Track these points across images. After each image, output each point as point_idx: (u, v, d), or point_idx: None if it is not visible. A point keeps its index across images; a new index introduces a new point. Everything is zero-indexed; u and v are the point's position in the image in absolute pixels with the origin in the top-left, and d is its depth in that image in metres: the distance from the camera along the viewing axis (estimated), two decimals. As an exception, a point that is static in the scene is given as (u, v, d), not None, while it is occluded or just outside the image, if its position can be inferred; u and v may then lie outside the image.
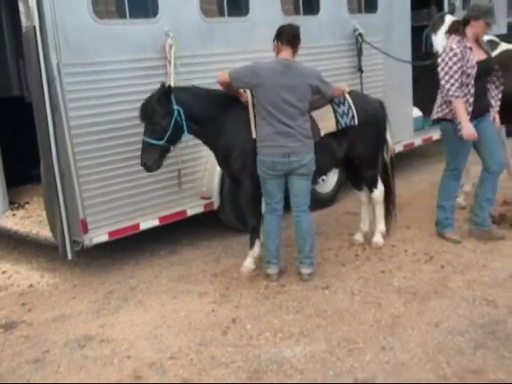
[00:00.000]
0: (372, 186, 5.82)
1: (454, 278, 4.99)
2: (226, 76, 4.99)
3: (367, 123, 5.56)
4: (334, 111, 5.42)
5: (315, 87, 5.00)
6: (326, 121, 5.38)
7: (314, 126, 5.27)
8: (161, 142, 5.01)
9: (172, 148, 5.23)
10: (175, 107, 5.04)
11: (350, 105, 5.50)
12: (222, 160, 5.45)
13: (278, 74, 4.90)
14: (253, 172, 5.25)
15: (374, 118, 5.67)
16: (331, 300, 4.76)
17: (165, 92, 5.02)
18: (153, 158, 5.04)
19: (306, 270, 5.19)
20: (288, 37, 5.00)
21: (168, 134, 5.02)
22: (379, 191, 5.84)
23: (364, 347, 4.01)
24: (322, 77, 5.12)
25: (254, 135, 5.18)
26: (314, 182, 5.56)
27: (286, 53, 5.01)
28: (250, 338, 4.26)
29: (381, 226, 5.90)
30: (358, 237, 5.97)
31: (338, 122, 5.42)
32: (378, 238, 5.86)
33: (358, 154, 5.64)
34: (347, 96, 5.53)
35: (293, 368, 3.83)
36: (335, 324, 4.36)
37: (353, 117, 5.48)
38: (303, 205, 5.14)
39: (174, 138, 5.15)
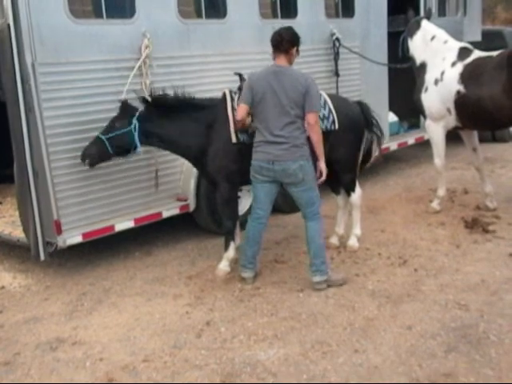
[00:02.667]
0: (350, 190, 5.81)
1: (427, 281, 5.04)
2: (241, 107, 4.96)
3: (347, 127, 5.56)
4: None
5: (305, 93, 4.80)
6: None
7: None
8: (103, 137, 5.12)
9: (110, 157, 5.24)
10: (134, 121, 5.16)
11: (330, 109, 5.49)
12: (199, 163, 5.45)
13: (267, 81, 4.84)
14: (228, 174, 5.26)
15: (354, 123, 5.67)
16: (306, 303, 4.77)
17: (131, 110, 5.21)
18: (91, 150, 5.14)
19: (317, 279, 4.99)
20: (273, 42, 4.92)
21: (113, 135, 5.13)
22: (357, 195, 5.82)
23: (337, 350, 4.03)
24: (314, 89, 4.87)
25: (234, 139, 5.22)
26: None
27: (278, 59, 4.91)
28: (224, 340, 4.25)
29: (357, 229, 5.91)
30: (334, 240, 6.00)
31: None
32: (353, 242, 5.88)
33: (338, 158, 5.58)
34: (328, 100, 5.54)
35: (266, 371, 3.83)
36: (309, 327, 4.37)
37: (333, 121, 5.47)
38: (309, 213, 5.05)
39: (118, 144, 5.16)
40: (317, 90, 4.95)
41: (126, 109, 5.23)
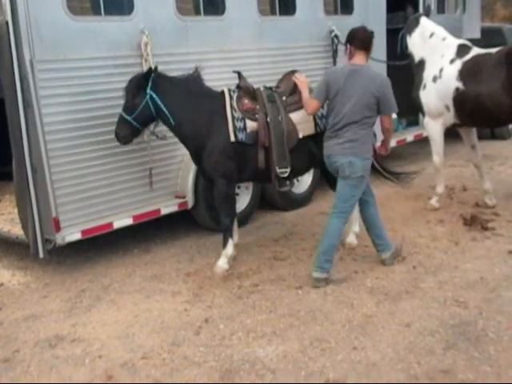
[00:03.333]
0: None
1: (425, 278, 5.04)
2: (313, 102, 5.13)
3: None
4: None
5: (380, 96, 4.90)
6: (305, 123, 5.39)
7: (292, 128, 5.34)
8: (129, 118, 5.20)
9: (142, 129, 5.36)
10: (148, 91, 5.19)
11: None
12: (196, 156, 5.47)
13: (343, 80, 4.93)
14: (225, 171, 5.28)
15: None
16: (304, 300, 4.77)
17: (145, 74, 5.23)
18: (123, 131, 5.27)
19: (315, 274, 5.01)
20: (363, 44, 5.04)
21: (136, 114, 5.20)
22: None
23: (336, 347, 4.03)
24: (390, 92, 4.97)
25: (232, 138, 5.24)
26: (291, 183, 5.58)
27: (358, 58, 5.03)
28: (222, 337, 4.25)
29: (355, 227, 5.90)
30: (351, 239, 5.92)
31: (316, 124, 5.42)
32: (351, 239, 5.86)
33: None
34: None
35: (265, 368, 3.83)
36: (308, 324, 4.37)
37: None
38: (338, 207, 5.05)
39: (143, 120, 5.28)
40: (391, 92, 5.00)
41: (138, 83, 5.25)
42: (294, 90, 5.46)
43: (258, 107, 5.34)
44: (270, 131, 5.28)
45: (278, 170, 5.32)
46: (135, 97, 5.21)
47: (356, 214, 5.80)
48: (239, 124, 5.29)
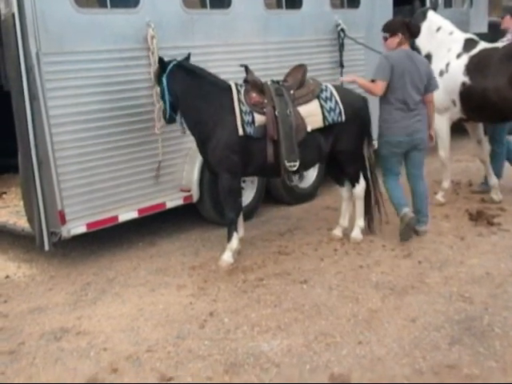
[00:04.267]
0: (354, 181, 5.82)
1: (431, 273, 5.03)
2: (380, 83, 5.55)
3: (353, 119, 5.57)
4: (322, 107, 5.45)
5: (428, 75, 5.65)
6: (314, 116, 5.41)
7: (301, 122, 5.34)
8: (161, 100, 5.52)
9: (172, 113, 5.50)
10: (163, 77, 5.35)
11: (337, 101, 5.51)
12: (202, 148, 5.50)
13: (406, 62, 5.54)
14: (230, 165, 5.28)
15: (359, 114, 5.67)
16: (309, 294, 4.76)
17: (160, 62, 5.37)
18: (163, 113, 5.55)
19: (423, 228, 5.85)
20: (414, 35, 5.86)
21: (162, 98, 5.49)
22: (361, 186, 5.82)
23: (341, 341, 4.03)
24: (432, 71, 5.86)
25: (241, 132, 5.25)
26: (300, 176, 5.62)
27: (406, 45, 5.70)
28: (227, 331, 4.25)
29: (360, 221, 5.90)
30: (337, 232, 5.99)
31: (325, 117, 5.44)
32: (356, 233, 5.87)
33: (343, 149, 5.64)
34: (334, 92, 5.56)
35: (269, 362, 3.83)
36: (313, 318, 4.37)
37: (340, 113, 5.48)
38: (420, 174, 5.84)
39: (169, 105, 5.45)
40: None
41: (158, 70, 5.43)
42: (302, 83, 5.49)
43: (266, 101, 5.32)
44: (278, 125, 5.27)
45: (287, 164, 5.33)
46: (159, 83, 5.44)
47: (361, 207, 5.84)
48: (247, 118, 5.28)
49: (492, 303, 4.43)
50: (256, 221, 6.61)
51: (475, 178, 7.58)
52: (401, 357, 3.80)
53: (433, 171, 8.07)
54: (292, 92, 5.43)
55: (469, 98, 6.35)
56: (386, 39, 5.79)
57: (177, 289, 5.02)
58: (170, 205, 6.08)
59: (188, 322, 4.42)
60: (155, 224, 6.55)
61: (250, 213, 6.57)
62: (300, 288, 4.89)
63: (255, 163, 5.41)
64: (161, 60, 5.36)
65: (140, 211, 5.84)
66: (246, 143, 5.30)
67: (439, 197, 6.85)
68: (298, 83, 5.49)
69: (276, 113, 5.28)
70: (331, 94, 5.54)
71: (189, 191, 6.16)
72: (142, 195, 5.85)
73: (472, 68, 6.34)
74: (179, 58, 5.46)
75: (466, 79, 6.35)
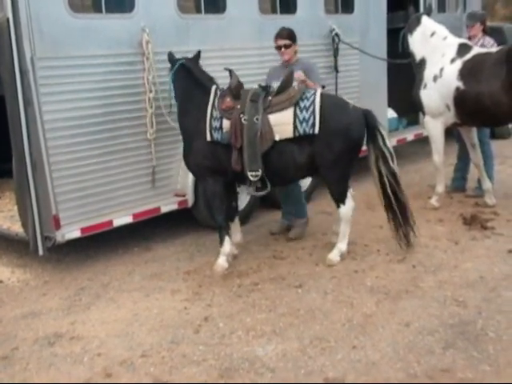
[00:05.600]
0: (339, 202, 5.39)
1: (425, 278, 5.04)
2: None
3: (337, 134, 5.13)
4: (295, 116, 5.13)
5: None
6: (284, 125, 5.14)
7: (268, 130, 5.13)
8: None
9: None
10: (170, 75, 5.59)
11: (314, 111, 5.11)
12: (183, 152, 5.64)
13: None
14: (204, 171, 5.40)
15: (346, 130, 5.17)
16: (304, 299, 4.77)
17: (169, 59, 5.61)
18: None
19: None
20: None
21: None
22: (347, 208, 5.38)
23: (336, 346, 4.03)
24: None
25: (208, 137, 5.28)
26: (267, 188, 5.34)
27: None
28: (222, 336, 4.25)
29: (342, 244, 5.48)
30: (334, 239, 5.78)
31: (295, 128, 5.12)
32: (333, 255, 5.45)
33: (324, 165, 5.24)
34: (317, 101, 5.15)
35: (264, 366, 3.83)
36: (307, 323, 4.37)
37: (313, 124, 5.09)
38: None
39: None
40: None
41: (170, 64, 5.62)
42: (282, 88, 5.25)
43: (238, 106, 5.19)
44: (243, 131, 5.13)
45: (249, 173, 5.18)
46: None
47: (346, 230, 5.49)
48: (216, 123, 5.26)
49: (486, 307, 4.45)
50: (251, 225, 6.60)
51: (469, 182, 7.57)
52: (395, 361, 3.81)
53: (427, 176, 8.11)
54: (269, 98, 5.21)
55: (463, 102, 6.38)
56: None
57: (171, 294, 5.01)
58: (164, 209, 6.08)
59: (182, 327, 4.41)
60: (150, 229, 6.54)
61: (245, 217, 6.57)
62: (295, 292, 4.89)
63: (225, 170, 5.31)
64: (170, 56, 5.54)
65: (135, 216, 5.83)
66: (215, 149, 5.29)
67: (433, 201, 6.87)
68: (278, 88, 5.26)
69: (243, 119, 5.14)
70: (312, 103, 5.15)
71: (184, 196, 6.16)
72: (136, 200, 5.85)
73: (466, 73, 6.37)
74: (190, 55, 5.63)
75: (460, 84, 6.37)
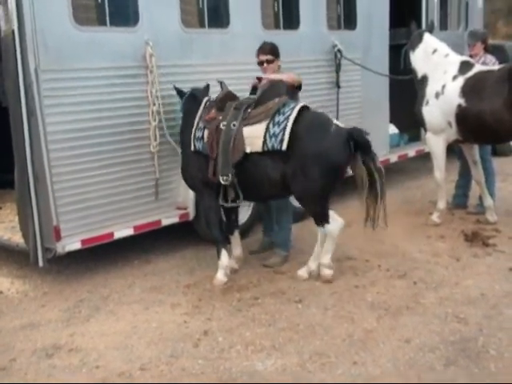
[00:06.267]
0: (322, 223, 5.20)
1: (426, 294, 5.02)
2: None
3: (312, 156, 4.95)
4: (267, 130, 5.02)
5: None
6: (255, 138, 5.06)
7: (240, 141, 5.09)
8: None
9: None
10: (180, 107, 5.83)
11: (285, 127, 4.96)
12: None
13: None
14: (196, 182, 5.47)
15: (322, 153, 4.96)
16: (304, 314, 4.75)
17: (177, 92, 5.82)
18: None
19: None
20: None
21: None
22: (333, 226, 5.17)
23: (336, 361, 4.01)
24: None
25: (192, 147, 5.37)
26: (238, 200, 5.30)
27: None
28: (221, 350, 4.23)
29: (324, 259, 5.30)
30: (303, 272, 5.47)
31: (265, 142, 5.02)
32: (325, 271, 5.32)
33: (297, 187, 5.10)
34: (291, 117, 4.99)
35: (264, 381, 3.81)
36: (307, 338, 4.35)
37: (281, 141, 4.95)
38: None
39: None
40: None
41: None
42: (262, 100, 5.16)
43: (220, 117, 5.23)
44: (219, 140, 5.15)
45: (220, 177, 5.16)
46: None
47: (331, 247, 5.29)
48: (199, 133, 5.34)
49: (487, 324, 4.43)
50: (251, 239, 6.59)
51: (470, 199, 7.57)
52: (396, 377, 3.79)
53: (428, 192, 8.11)
54: (249, 110, 5.17)
55: (464, 119, 6.40)
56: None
57: (171, 307, 5.00)
58: (165, 222, 6.07)
59: (182, 341, 4.39)
60: (150, 242, 6.53)
61: (245, 231, 6.56)
62: (295, 307, 4.87)
63: (209, 180, 5.30)
64: (177, 90, 5.76)
65: (136, 228, 5.83)
66: (200, 159, 5.34)
67: (434, 217, 6.86)
68: (256, 100, 5.20)
69: (221, 125, 5.17)
70: (286, 118, 5.00)
71: (185, 209, 6.16)
72: (138, 212, 5.85)
73: (468, 90, 6.39)
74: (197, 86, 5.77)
75: (462, 101, 6.39)
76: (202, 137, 5.31)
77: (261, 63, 5.72)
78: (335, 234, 5.23)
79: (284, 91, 5.25)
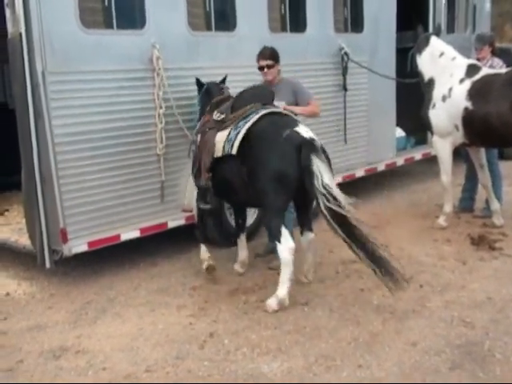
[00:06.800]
0: (274, 239, 4.93)
1: (432, 298, 5.01)
2: (316, 102, 5.82)
3: (258, 162, 4.82)
4: (228, 135, 5.04)
5: None
6: (219, 143, 5.11)
7: (211, 146, 5.15)
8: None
9: None
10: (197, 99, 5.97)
11: (238, 133, 4.95)
12: None
13: None
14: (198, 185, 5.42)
15: (267, 161, 4.78)
16: (310, 316, 4.75)
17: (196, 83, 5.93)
18: None
19: None
20: None
21: None
22: (283, 248, 4.79)
23: (341, 364, 4.00)
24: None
25: (190, 152, 5.58)
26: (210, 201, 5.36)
27: None
28: (227, 352, 4.23)
29: (281, 290, 4.84)
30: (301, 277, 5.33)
31: (224, 147, 5.05)
32: (270, 301, 4.86)
33: (250, 193, 4.99)
34: (249, 123, 4.95)
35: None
36: (313, 340, 4.34)
37: (232, 145, 4.96)
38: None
39: None
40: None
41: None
42: (238, 107, 5.20)
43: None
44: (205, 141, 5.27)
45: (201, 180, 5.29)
46: None
47: (284, 275, 4.87)
48: (195, 137, 5.50)
49: (493, 328, 4.41)
50: (257, 242, 6.59)
51: (477, 202, 7.55)
52: (401, 381, 3.78)
53: (434, 195, 8.09)
54: (224, 115, 5.23)
55: (471, 123, 6.39)
56: None
57: (177, 309, 5.00)
58: (172, 225, 6.09)
59: (188, 343, 4.39)
60: (156, 244, 6.55)
61: (251, 234, 6.56)
62: (301, 310, 4.87)
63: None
64: (197, 81, 5.83)
65: (142, 230, 5.84)
66: None
67: (441, 221, 6.85)
68: (235, 106, 5.24)
69: (207, 128, 5.33)
70: (244, 124, 4.96)
71: (191, 211, 6.16)
72: (144, 214, 5.86)
73: (474, 93, 6.38)
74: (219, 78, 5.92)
75: (469, 104, 6.38)
76: (195, 141, 5.50)
77: (261, 68, 5.72)
78: (286, 258, 4.77)
79: (269, 98, 5.33)
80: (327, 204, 4.54)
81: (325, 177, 4.61)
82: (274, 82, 5.71)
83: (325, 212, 4.57)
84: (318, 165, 4.64)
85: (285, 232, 4.80)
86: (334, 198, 4.56)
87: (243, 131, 4.93)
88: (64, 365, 4.17)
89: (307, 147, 4.72)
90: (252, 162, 4.86)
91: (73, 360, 4.24)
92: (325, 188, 4.57)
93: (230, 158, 5.02)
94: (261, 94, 5.35)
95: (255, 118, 4.98)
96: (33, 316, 5.03)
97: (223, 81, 5.90)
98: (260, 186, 4.83)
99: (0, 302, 5.38)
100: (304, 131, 4.87)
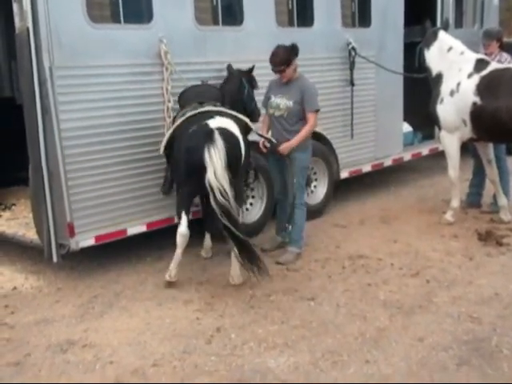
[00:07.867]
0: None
1: (439, 293, 5.00)
2: (315, 116, 5.75)
3: (175, 160, 5.34)
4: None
5: None
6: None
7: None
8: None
9: None
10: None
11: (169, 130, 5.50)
12: None
13: None
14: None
15: (181, 153, 5.12)
16: (316, 311, 4.75)
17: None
18: None
19: None
20: None
21: None
22: (178, 231, 5.25)
23: (348, 360, 4.00)
24: None
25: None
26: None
27: None
28: (233, 347, 4.24)
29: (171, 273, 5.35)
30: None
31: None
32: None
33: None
34: (179, 122, 5.31)
35: (276, 379, 3.81)
36: (320, 336, 4.34)
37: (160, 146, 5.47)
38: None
39: None
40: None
41: None
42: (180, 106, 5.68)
43: None
44: None
45: None
46: None
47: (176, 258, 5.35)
48: None
49: (500, 324, 4.40)
50: (264, 236, 6.59)
51: (484, 198, 7.53)
52: (408, 376, 3.78)
53: (441, 190, 8.07)
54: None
55: (479, 117, 6.35)
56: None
57: (184, 304, 5.01)
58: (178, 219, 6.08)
59: (194, 337, 4.40)
60: (162, 239, 6.55)
61: (258, 229, 6.57)
62: (307, 305, 4.87)
63: None
64: (229, 67, 6.05)
65: (149, 225, 5.86)
66: None
67: (448, 216, 6.83)
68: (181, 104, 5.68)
69: None
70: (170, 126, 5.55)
71: (197, 206, 6.16)
72: (151, 209, 5.87)
73: (483, 88, 6.34)
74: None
75: (477, 99, 6.35)
76: None
77: (275, 71, 5.79)
78: (178, 240, 5.21)
79: (210, 96, 5.61)
80: (217, 198, 4.74)
81: (217, 168, 4.76)
82: (292, 79, 5.76)
83: (214, 206, 4.79)
84: (210, 156, 4.78)
85: (183, 220, 5.20)
86: (221, 192, 4.74)
87: (167, 135, 5.37)
88: (71, 358, 4.19)
89: (206, 138, 4.83)
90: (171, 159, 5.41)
91: (80, 354, 4.25)
92: (216, 181, 4.75)
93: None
94: (203, 92, 5.66)
95: (185, 116, 5.28)
96: (40, 310, 5.05)
97: (251, 70, 6.10)
98: (176, 181, 5.44)
99: (7, 296, 5.40)
100: (215, 123, 5.05)
